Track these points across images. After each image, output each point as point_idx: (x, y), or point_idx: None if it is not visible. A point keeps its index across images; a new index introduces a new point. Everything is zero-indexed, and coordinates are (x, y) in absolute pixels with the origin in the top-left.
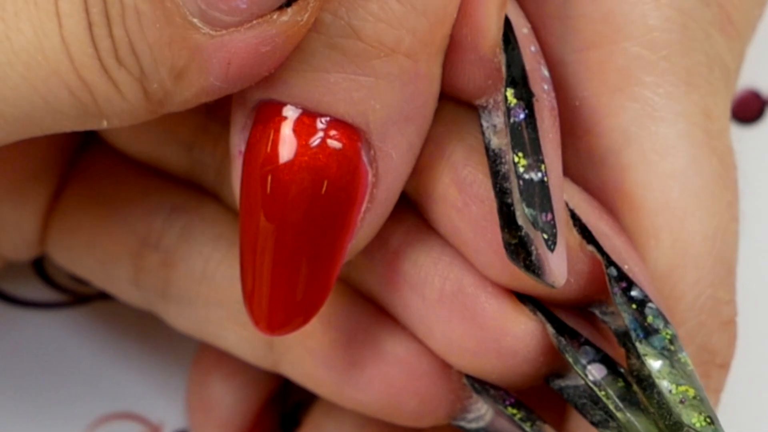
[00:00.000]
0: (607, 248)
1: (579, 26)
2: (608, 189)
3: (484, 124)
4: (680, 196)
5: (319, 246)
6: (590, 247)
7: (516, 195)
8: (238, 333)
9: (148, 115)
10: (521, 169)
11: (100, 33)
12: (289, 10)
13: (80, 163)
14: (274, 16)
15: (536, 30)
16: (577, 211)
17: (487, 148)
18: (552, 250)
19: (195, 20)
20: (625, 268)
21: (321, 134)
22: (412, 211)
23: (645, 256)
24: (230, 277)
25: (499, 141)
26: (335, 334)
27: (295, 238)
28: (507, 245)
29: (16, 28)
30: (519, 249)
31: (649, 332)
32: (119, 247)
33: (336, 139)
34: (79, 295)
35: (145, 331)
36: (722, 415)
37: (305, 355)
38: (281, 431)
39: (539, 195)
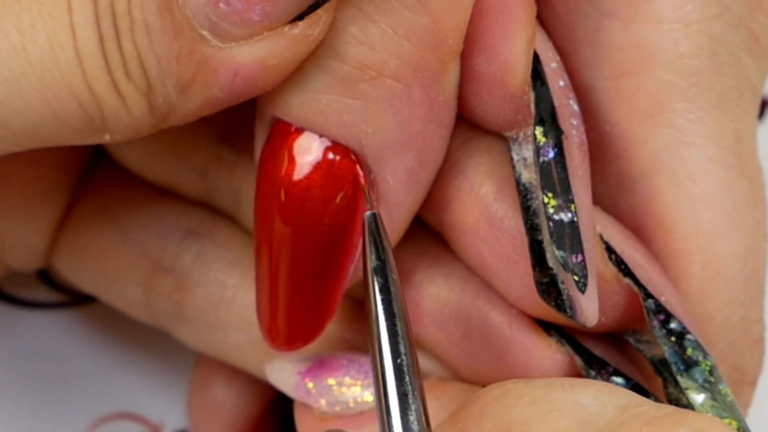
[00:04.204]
0: (643, 280)
1: (610, 54)
2: (639, 213)
3: (515, 156)
4: (712, 219)
5: (322, 265)
6: (627, 280)
7: (546, 236)
8: (259, 358)
9: (150, 130)
10: (551, 210)
11: (110, 46)
12: (301, 23)
13: (91, 181)
14: (285, 29)
15: (567, 57)
16: (612, 243)
17: (517, 182)
18: (583, 292)
19: (204, 33)
20: (663, 299)
21: (319, 154)
22: (432, 243)
23: (677, 279)
24: (249, 303)
25: (529, 175)
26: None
27: (301, 252)
28: (538, 284)
29: (32, 39)
30: (550, 288)
31: (689, 365)
32: (130, 268)
33: (332, 160)
34: (80, 295)
35: (146, 331)
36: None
37: None
38: None
39: (570, 236)
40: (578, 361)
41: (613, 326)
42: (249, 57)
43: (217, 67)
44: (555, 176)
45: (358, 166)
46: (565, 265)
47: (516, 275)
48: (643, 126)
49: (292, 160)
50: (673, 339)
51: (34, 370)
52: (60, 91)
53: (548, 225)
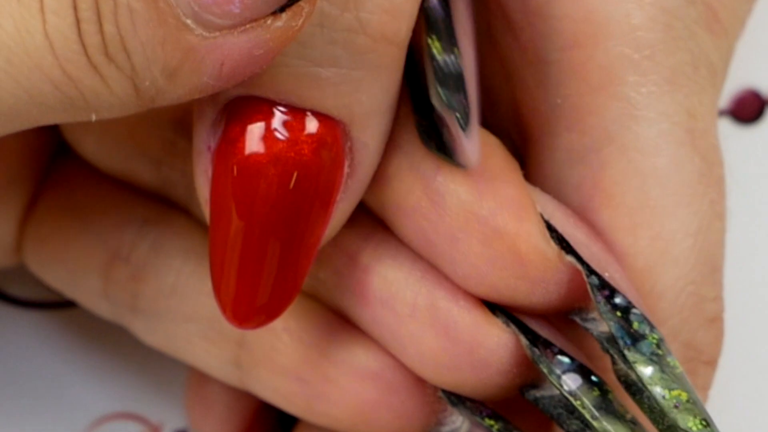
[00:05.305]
0: (585, 257)
1: (562, 26)
2: (586, 186)
3: None
4: (660, 194)
5: (292, 240)
6: (569, 258)
7: (430, 76)
8: (205, 349)
9: (138, 108)
10: (435, 51)
11: (90, 29)
12: (284, 15)
13: (54, 173)
14: (268, 22)
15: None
16: (553, 221)
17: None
18: (465, 130)
19: (188, 21)
20: (606, 275)
21: (304, 128)
22: (379, 225)
23: (623, 255)
24: (199, 291)
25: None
26: (306, 350)
27: (267, 232)
28: (419, 127)
29: None
30: (430, 131)
31: (636, 338)
32: (90, 258)
33: (320, 134)
34: None
35: None
36: (717, 415)
37: (275, 371)
38: (279, 430)
39: (453, 78)
40: (523, 340)
41: (558, 305)
42: (234, 47)
43: (203, 56)
44: (440, 23)
45: (338, 132)
46: (448, 103)
47: (459, 253)
48: (594, 98)
49: (267, 138)
50: (618, 314)
51: (34, 370)
52: (30, 72)
53: (432, 65)
